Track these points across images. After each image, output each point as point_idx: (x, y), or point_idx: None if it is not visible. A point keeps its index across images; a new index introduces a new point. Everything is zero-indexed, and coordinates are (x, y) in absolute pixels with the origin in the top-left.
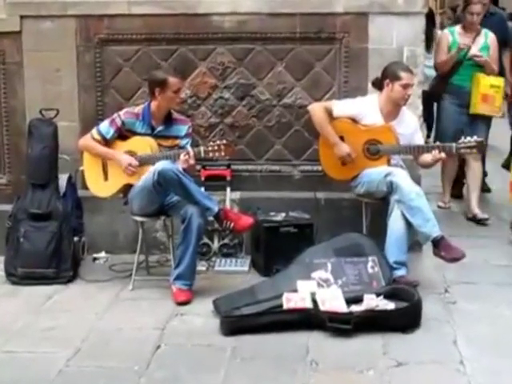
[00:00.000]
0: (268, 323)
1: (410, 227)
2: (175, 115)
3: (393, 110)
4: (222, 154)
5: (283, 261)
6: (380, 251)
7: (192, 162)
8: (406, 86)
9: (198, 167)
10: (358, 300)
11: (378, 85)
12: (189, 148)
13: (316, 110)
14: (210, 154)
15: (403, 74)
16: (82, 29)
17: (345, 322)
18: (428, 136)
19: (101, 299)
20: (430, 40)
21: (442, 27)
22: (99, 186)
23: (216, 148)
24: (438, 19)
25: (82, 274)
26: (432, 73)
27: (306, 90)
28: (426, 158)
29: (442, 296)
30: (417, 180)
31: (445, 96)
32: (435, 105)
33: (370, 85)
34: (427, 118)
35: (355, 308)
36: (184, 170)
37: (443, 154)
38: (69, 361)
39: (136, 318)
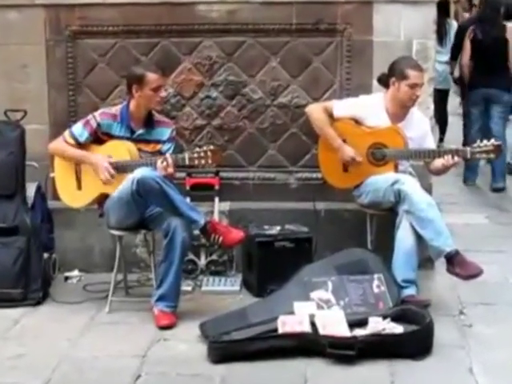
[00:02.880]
0: (261, 349)
1: (420, 241)
2: (157, 117)
3: (400, 111)
4: (209, 161)
5: (278, 280)
6: (387, 268)
7: (171, 170)
8: (414, 86)
9: (183, 175)
10: (362, 323)
11: (385, 82)
12: (167, 154)
13: (315, 111)
14: (196, 162)
15: (411, 73)
16: (51, 20)
17: (348, 348)
18: (441, 139)
19: (74, 323)
20: (443, 32)
21: (457, 17)
22: (71, 195)
23: (202, 155)
24: (452, 8)
25: (52, 294)
26: (444, 68)
27: (304, 88)
28: (438, 163)
29: (456, 318)
30: (428, 188)
31: None
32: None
33: (375, 82)
34: (439, 119)
35: (359, 332)
36: (164, 177)
37: (457, 159)
38: None
39: (113, 344)
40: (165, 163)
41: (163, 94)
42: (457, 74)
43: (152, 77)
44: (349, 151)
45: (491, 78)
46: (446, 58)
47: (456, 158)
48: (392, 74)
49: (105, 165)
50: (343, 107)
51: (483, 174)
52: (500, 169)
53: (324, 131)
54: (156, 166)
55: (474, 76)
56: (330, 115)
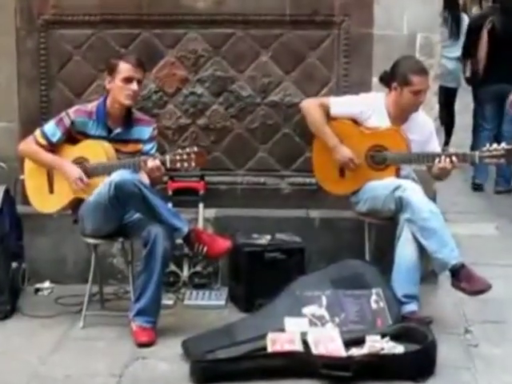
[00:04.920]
0: (249, 369)
1: (422, 253)
2: (137, 115)
3: (403, 114)
4: (193, 164)
5: (268, 293)
6: (386, 282)
7: (163, 171)
8: (417, 92)
9: (165, 178)
10: (358, 342)
11: (387, 81)
12: (156, 154)
13: (310, 106)
14: (178, 165)
15: (415, 79)
16: (23, 8)
17: (343, 369)
18: (446, 143)
19: (45, 339)
20: (453, 25)
21: (465, 10)
22: (43, 199)
23: (185, 157)
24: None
25: (21, 308)
26: (455, 66)
27: (297, 85)
28: (441, 166)
29: (461, 337)
30: (432, 196)
31: None
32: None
33: (374, 79)
34: (445, 120)
35: (355, 351)
36: (151, 180)
37: (456, 162)
38: None
39: (88, 362)
40: (153, 163)
41: (134, 87)
42: (468, 73)
43: (123, 66)
44: (346, 152)
45: (507, 72)
46: (457, 53)
47: (455, 161)
48: (394, 79)
49: (76, 176)
50: (341, 105)
51: (493, 180)
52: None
53: (319, 129)
54: (135, 168)
55: (488, 71)
56: (327, 112)
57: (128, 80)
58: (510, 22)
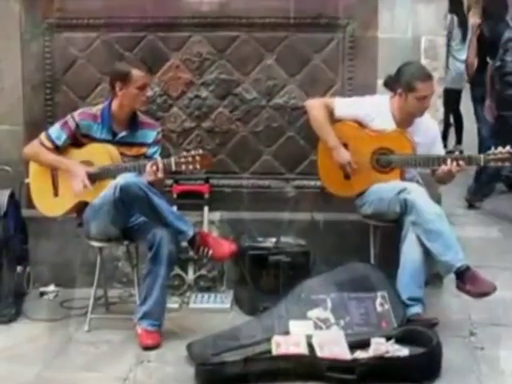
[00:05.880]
0: (254, 372)
1: (427, 255)
2: (142, 118)
3: (407, 118)
4: (197, 166)
5: (273, 297)
6: (391, 285)
7: (160, 175)
8: (423, 98)
9: (170, 182)
10: (363, 344)
11: (391, 86)
12: (158, 158)
13: (315, 106)
14: (183, 167)
15: (419, 85)
16: (27, 11)
17: (348, 372)
18: (458, 142)
19: (50, 343)
20: (462, 29)
21: (469, 12)
22: (48, 202)
23: (190, 159)
24: (465, 2)
25: (26, 311)
26: (463, 68)
27: (302, 88)
28: (446, 169)
29: (466, 340)
30: (437, 198)
31: None
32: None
33: (379, 82)
34: (454, 121)
35: (360, 354)
36: (150, 184)
37: (462, 164)
38: None
39: (92, 365)
40: (154, 168)
41: (149, 93)
42: None
43: (137, 74)
44: (344, 154)
45: None
46: (464, 56)
47: (461, 164)
48: (399, 85)
49: (82, 175)
50: (346, 106)
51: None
52: None
53: (321, 128)
54: (140, 171)
55: (477, 74)
56: (331, 113)
57: (143, 87)
58: (494, 26)
